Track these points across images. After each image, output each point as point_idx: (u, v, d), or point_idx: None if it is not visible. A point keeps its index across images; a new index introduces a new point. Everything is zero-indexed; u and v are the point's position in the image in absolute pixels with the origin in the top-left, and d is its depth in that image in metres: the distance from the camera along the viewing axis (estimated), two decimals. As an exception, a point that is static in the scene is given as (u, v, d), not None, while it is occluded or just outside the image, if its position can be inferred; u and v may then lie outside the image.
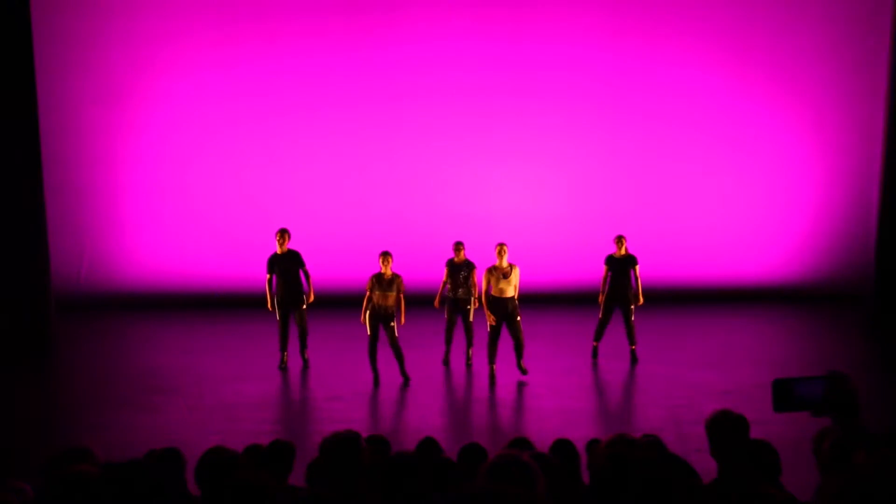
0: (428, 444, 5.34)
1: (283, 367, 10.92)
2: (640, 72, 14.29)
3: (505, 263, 10.28)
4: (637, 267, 11.07)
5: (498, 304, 10.20)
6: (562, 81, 14.28)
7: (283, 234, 10.81)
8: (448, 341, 11.10)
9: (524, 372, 10.32)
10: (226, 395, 9.97)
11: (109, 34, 14.04)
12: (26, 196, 13.03)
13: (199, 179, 14.45)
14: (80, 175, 14.34)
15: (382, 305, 10.16)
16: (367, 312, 10.19)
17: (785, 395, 3.35)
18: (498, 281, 10.19)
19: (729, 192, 14.67)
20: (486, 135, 14.38)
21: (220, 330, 13.09)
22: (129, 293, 14.40)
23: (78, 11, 13.96)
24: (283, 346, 10.95)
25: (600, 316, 11.09)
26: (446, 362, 11.06)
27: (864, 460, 3.57)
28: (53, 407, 9.86)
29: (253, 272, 14.16)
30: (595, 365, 11.02)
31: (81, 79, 14.08)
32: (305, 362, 10.99)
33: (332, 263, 13.35)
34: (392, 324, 10.19)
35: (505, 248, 10.32)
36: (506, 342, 10.41)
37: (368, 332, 10.22)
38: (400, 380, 10.34)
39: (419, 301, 11.63)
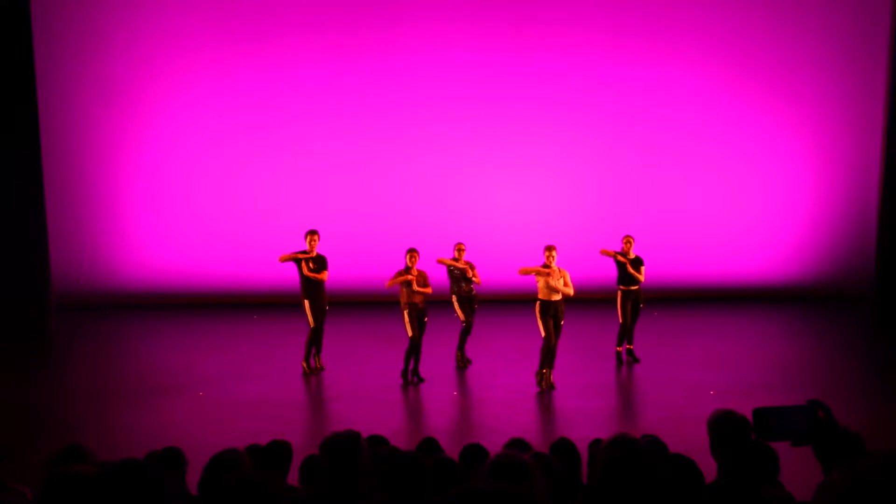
0: (428, 443, 5.33)
1: (316, 371, 10.86)
2: (641, 79, 14.32)
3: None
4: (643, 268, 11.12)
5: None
6: (565, 90, 14.32)
7: (315, 235, 10.74)
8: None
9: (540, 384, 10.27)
10: (226, 395, 9.96)
11: (111, 37, 14.04)
12: (26, 197, 13.03)
13: (199, 180, 14.45)
14: (81, 176, 14.34)
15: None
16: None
17: (766, 424, 3.34)
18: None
19: (730, 194, 14.67)
20: (488, 142, 14.41)
21: (220, 330, 13.09)
22: (129, 293, 14.40)
23: (81, 14, 13.96)
24: (318, 351, 10.87)
25: (628, 320, 11.02)
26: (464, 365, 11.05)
27: (864, 463, 3.56)
28: (53, 407, 9.85)
29: (253, 272, 14.18)
30: (619, 367, 11.02)
31: (83, 80, 14.09)
32: (320, 367, 10.96)
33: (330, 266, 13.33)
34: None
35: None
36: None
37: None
38: (398, 381, 10.35)
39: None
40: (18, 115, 13.20)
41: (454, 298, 10.95)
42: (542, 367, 10.01)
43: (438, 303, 11.00)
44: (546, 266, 9.91)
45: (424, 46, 14.25)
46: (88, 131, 14.25)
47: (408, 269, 10.24)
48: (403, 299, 10.23)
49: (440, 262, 10.94)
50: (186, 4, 14.12)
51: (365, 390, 10.12)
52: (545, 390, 9.97)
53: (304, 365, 10.82)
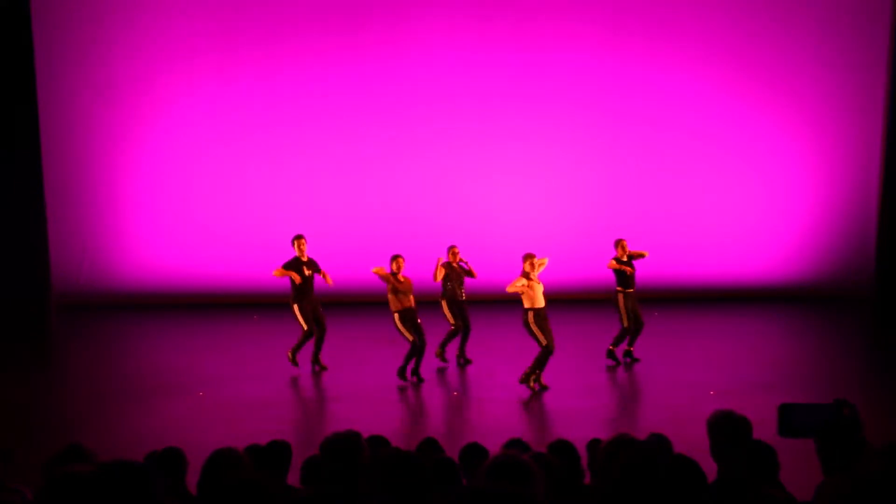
0: (428, 444, 5.33)
1: (322, 367, 10.91)
2: (641, 79, 14.32)
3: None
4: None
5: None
6: (565, 90, 14.32)
7: (303, 239, 10.81)
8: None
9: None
10: (226, 396, 9.97)
11: (112, 37, 14.04)
12: (26, 197, 13.03)
13: (200, 180, 14.46)
14: (81, 176, 14.34)
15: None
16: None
17: (790, 420, 3.33)
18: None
19: (730, 194, 14.66)
20: (489, 142, 14.40)
21: (220, 330, 13.09)
22: (129, 293, 14.40)
23: (81, 15, 13.96)
24: (318, 351, 10.92)
25: (632, 323, 10.97)
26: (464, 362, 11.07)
27: (864, 464, 3.56)
28: (53, 407, 9.85)
29: (253, 273, 14.17)
30: (611, 367, 11.01)
31: (83, 80, 14.09)
32: (322, 367, 10.97)
33: (328, 266, 13.34)
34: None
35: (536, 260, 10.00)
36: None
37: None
38: (398, 381, 10.36)
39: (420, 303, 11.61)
40: (18, 115, 13.20)
41: (444, 303, 10.96)
42: (534, 370, 9.96)
43: (428, 303, 11.03)
44: (527, 275, 9.82)
45: (423, 47, 14.24)
46: (88, 131, 14.24)
47: (394, 275, 10.25)
48: (393, 306, 10.25)
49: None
50: (187, 6, 14.12)
51: (365, 391, 10.12)
52: (539, 390, 9.94)
53: (290, 354, 10.83)
